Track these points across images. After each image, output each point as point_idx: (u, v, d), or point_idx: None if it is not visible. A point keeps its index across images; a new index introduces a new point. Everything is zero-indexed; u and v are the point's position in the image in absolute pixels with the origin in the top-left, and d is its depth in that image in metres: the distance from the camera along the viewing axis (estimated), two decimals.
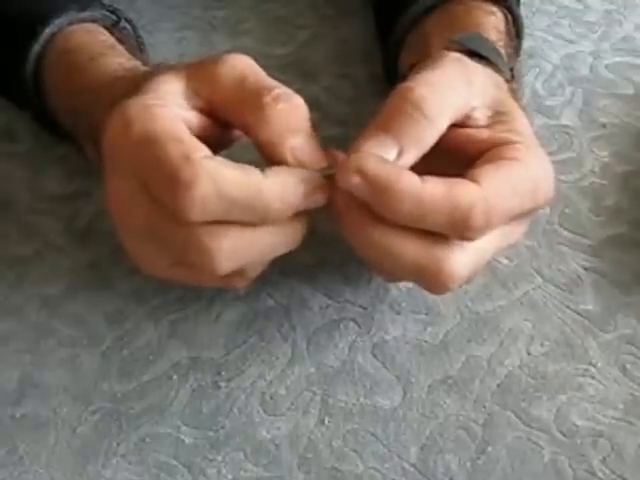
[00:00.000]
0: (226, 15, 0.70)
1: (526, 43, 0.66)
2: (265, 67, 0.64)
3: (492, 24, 0.52)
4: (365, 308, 0.50)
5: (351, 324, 0.49)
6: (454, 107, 0.42)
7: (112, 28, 0.56)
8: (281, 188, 0.38)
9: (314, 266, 0.52)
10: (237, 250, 0.40)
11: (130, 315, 0.49)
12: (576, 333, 0.49)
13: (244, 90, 0.40)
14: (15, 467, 0.44)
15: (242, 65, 0.42)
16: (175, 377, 0.47)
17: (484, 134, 0.43)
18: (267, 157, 0.41)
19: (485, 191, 0.39)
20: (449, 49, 0.48)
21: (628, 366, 0.47)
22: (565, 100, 0.63)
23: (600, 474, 0.43)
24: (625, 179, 0.57)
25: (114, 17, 0.56)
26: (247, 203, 0.38)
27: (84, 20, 0.55)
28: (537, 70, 0.65)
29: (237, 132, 0.44)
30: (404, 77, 0.44)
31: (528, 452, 0.44)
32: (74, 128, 0.53)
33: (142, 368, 0.47)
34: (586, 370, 0.47)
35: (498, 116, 0.44)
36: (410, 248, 0.40)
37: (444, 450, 0.44)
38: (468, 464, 0.44)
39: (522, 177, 0.41)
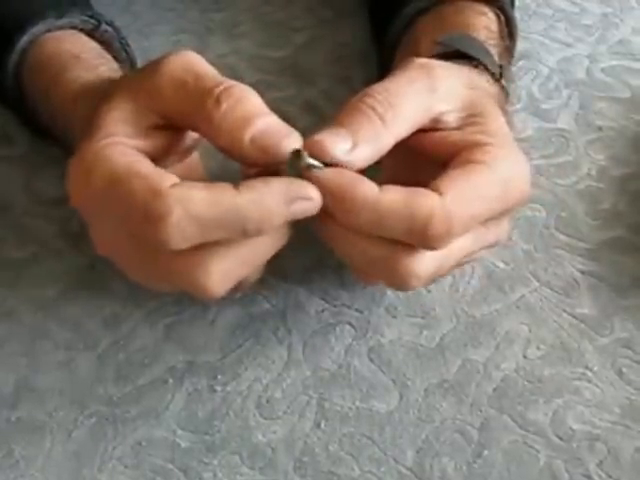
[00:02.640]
0: (223, 18, 0.70)
1: (522, 46, 0.66)
2: (262, 70, 0.64)
3: (483, 24, 0.52)
4: (361, 312, 0.50)
5: (347, 327, 0.49)
6: (412, 114, 0.42)
7: (93, 32, 0.55)
8: (257, 196, 0.38)
9: (310, 269, 0.52)
10: (227, 272, 0.40)
11: (126, 319, 0.49)
12: (572, 337, 0.49)
13: (187, 98, 0.40)
14: (11, 470, 0.44)
15: (179, 68, 0.40)
16: (171, 381, 0.47)
17: (455, 136, 0.43)
18: (234, 159, 0.40)
19: (445, 200, 0.39)
20: (434, 50, 0.49)
21: (624, 370, 0.47)
22: (561, 103, 0.63)
23: (596, 478, 0.43)
24: (622, 182, 0.57)
25: (93, 21, 0.55)
26: (224, 221, 0.37)
27: (62, 27, 0.54)
28: (533, 73, 0.65)
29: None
30: None
31: (524, 456, 0.44)
32: (58, 134, 0.53)
33: (138, 372, 0.47)
34: (582, 374, 0.47)
35: (471, 118, 0.44)
36: (373, 248, 0.40)
37: (440, 454, 0.44)
38: (464, 468, 0.44)
39: (489, 181, 0.41)
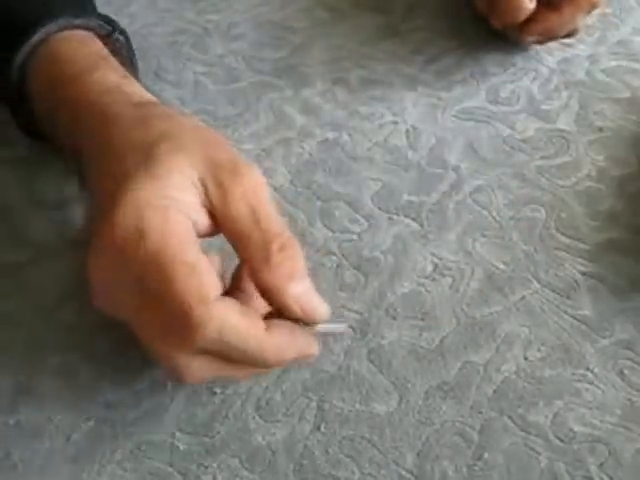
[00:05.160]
0: (220, 19, 0.70)
1: (522, 47, 0.66)
2: (260, 71, 0.64)
3: None
4: (361, 313, 0.50)
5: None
6: None
7: (106, 38, 0.54)
8: (280, 346, 0.41)
9: (309, 271, 0.52)
10: (207, 374, 0.42)
11: (124, 322, 0.49)
12: (573, 338, 0.49)
13: (254, 228, 0.41)
14: (10, 474, 0.43)
15: (256, 193, 0.42)
16: (170, 384, 0.47)
17: None
18: (268, 300, 0.41)
19: None
20: None
21: (625, 371, 0.47)
22: (561, 104, 0.63)
23: None
24: (621, 183, 0.57)
25: (109, 27, 0.55)
26: (247, 354, 0.40)
27: (77, 27, 0.53)
28: (533, 74, 0.65)
29: None
30: None
31: (525, 458, 0.44)
32: (55, 139, 0.52)
33: (136, 375, 0.47)
34: (583, 375, 0.47)
35: None
36: None
37: (440, 456, 0.44)
38: (464, 470, 0.44)
39: None
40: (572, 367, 0.48)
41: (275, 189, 0.56)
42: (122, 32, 0.56)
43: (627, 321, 0.50)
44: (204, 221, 0.41)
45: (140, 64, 0.60)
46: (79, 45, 0.52)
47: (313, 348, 0.44)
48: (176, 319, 0.38)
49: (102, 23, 0.54)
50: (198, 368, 0.41)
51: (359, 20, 0.69)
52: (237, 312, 0.39)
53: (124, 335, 0.48)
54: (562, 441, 0.45)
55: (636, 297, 0.51)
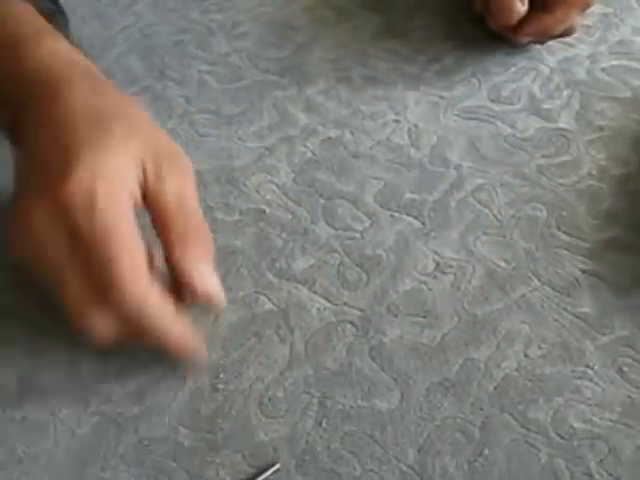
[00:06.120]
0: (224, 18, 0.70)
1: (523, 47, 0.66)
2: (264, 70, 0.65)
3: None
4: (363, 311, 0.50)
5: (349, 326, 0.50)
6: None
7: (48, 18, 0.51)
8: (184, 333, 0.45)
9: (312, 269, 0.52)
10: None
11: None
12: (573, 336, 0.49)
13: (177, 215, 0.44)
14: (14, 469, 0.44)
15: (186, 185, 0.45)
16: (174, 379, 0.47)
17: None
18: (176, 276, 0.44)
19: None
20: None
21: (625, 368, 0.48)
22: (562, 103, 0.63)
23: (597, 476, 0.43)
24: (622, 182, 0.57)
25: (52, 6, 0.54)
26: (156, 329, 0.44)
27: None
28: (535, 73, 0.65)
29: None
30: None
31: (525, 454, 0.44)
32: None
33: (141, 370, 0.47)
34: (583, 372, 0.47)
35: None
36: None
37: (442, 452, 0.44)
38: (465, 466, 0.44)
39: None
40: (572, 364, 0.48)
41: (278, 187, 0.57)
42: (64, 14, 0.56)
43: (627, 319, 0.50)
44: (138, 199, 0.44)
45: (145, 63, 0.60)
46: (23, 10, 0.50)
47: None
48: (109, 283, 0.41)
49: (48, 3, 0.54)
50: (107, 326, 0.43)
51: (362, 19, 0.70)
52: (158, 292, 0.43)
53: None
54: (562, 438, 0.45)
55: (636, 295, 0.51)
